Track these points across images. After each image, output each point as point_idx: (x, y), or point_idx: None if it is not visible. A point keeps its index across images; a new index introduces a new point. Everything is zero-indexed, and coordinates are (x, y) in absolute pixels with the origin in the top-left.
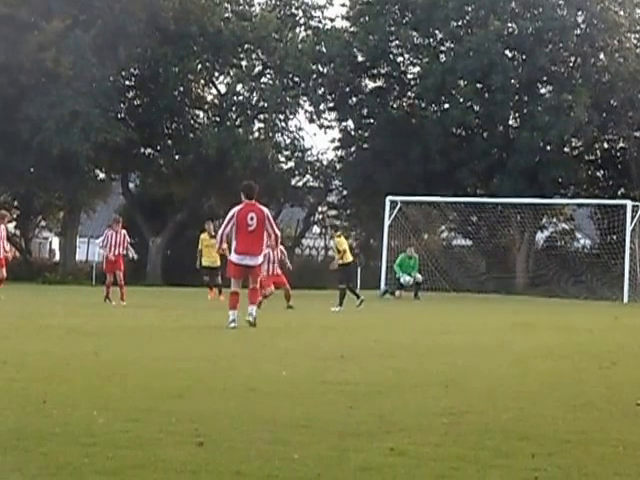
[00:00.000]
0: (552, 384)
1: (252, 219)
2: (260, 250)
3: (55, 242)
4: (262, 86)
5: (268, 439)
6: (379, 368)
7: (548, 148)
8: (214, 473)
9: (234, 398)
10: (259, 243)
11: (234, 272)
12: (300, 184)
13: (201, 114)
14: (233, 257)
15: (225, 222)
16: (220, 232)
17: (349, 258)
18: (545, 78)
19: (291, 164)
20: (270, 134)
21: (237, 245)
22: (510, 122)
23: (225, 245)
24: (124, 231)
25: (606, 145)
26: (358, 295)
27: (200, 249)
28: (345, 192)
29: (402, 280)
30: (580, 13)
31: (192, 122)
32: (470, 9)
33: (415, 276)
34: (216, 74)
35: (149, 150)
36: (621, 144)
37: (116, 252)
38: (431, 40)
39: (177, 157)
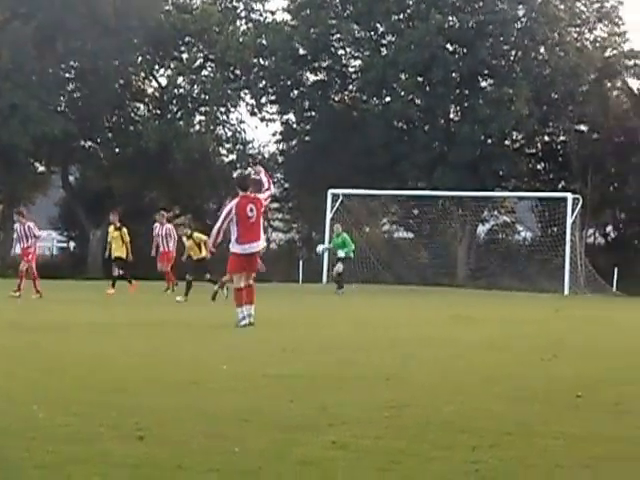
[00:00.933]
0: (493, 377)
1: (252, 210)
2: (260, 236)
3: None
4: (203, 79)
5: (209, 433)
6: (321, 361)
7: (489, 141)
8: (155, 467)
9: (175, 392)
10: (259, 231)
11: (237, 267)
12: None
13: (142, 107)
14: (236, 249)
15: (222, 217)
16: (217, 227)
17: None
18: (486, 71)
19: (233, 157)
20: (211, 127)
21: (239, 237)
22: (451, 115)
23: (219, 240)
24: (30, 223)
25: (547, 138)
26: (187, 293)
27: (109, 241)
28: (287, 185)
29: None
30: (521, 7)
31: (132, 115)
32: (411, 2)
33: (337, 266)
34: (157, 67)
35: (89, 143)
36: (562, 137)
37: (22, 245)
38: (372, 33)
39: (117, 150)
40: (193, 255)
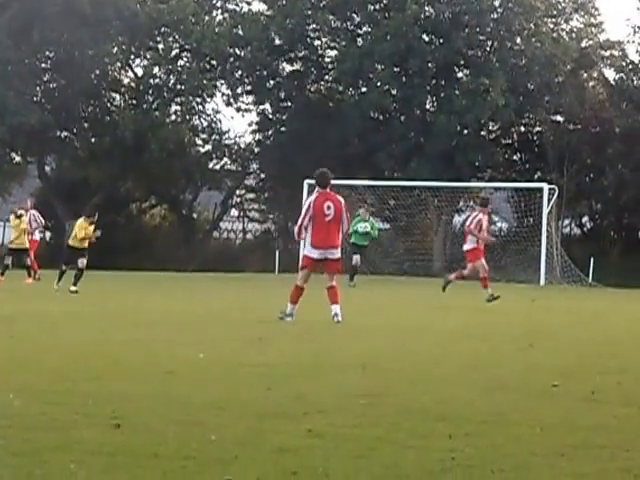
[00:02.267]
0: (470, 366)
1: (329, 208)
2: (339, 242)
3: None
4: (179, 69)
5: (185, 421)
6: (297, 350)
7: (465, 132)
8: (131, 455)
9: (151, 381)
10: (337, 234)
11: (309, 264)
12: (218, 167)
13: (117, 97)
14: (311, 252)
15: (303, 213)
16: (299, 224)
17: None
18: (462, 62)
19: (208, 147)
20: (187, 117)
21: (314, 238)
22: (427, 106)
23: (302, 237)
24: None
25: (523, 129)
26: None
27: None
28: (263, 175)
29: (359, 228)
30: None
31: (108, 105)
32: None
33: (354, 257)
34: (132, 57)
35: (65, 133)
36: (537, 128)
37: None
38: (348, 24)
39: (93, 140)
40: (15, 239)
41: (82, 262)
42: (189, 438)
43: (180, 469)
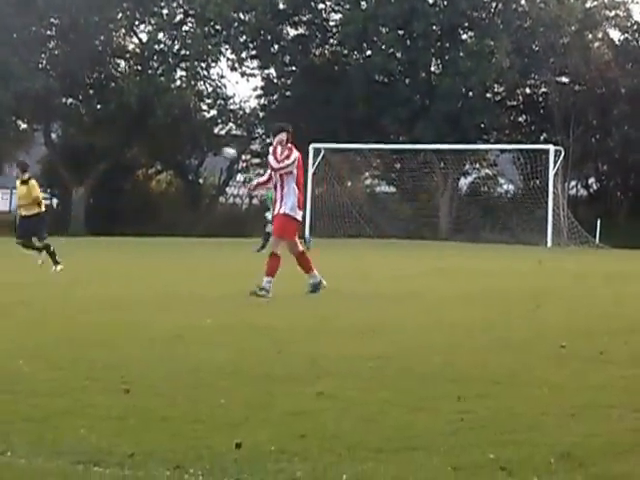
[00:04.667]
0: (478, 327)
1: None
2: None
3: None
4: (183, 34)
5: (194, 385)
6: (307, 314)
7: (470, 94)
8: (141, 419)
9: (160, 345)
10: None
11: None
12: (223, 132)
13: (122, 63)
14: (297, 214)
15: (298, 169)
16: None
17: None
18: (466, 24)
19: (213, 112)
20: (192, 82)
21: (300, 198)
22: (432, 68)
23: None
24: None
25: (528, 90)
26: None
27: None
28: (268, 140)
29: None
30: None
31: (113, 71)
32: None
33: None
34: (137, 23)
35: (70, 100)
36: (543, 89)
37: None
38: None
39: (99, 106)
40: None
41: (38, 241)
42: (198, 401)
43: (190, 432)
